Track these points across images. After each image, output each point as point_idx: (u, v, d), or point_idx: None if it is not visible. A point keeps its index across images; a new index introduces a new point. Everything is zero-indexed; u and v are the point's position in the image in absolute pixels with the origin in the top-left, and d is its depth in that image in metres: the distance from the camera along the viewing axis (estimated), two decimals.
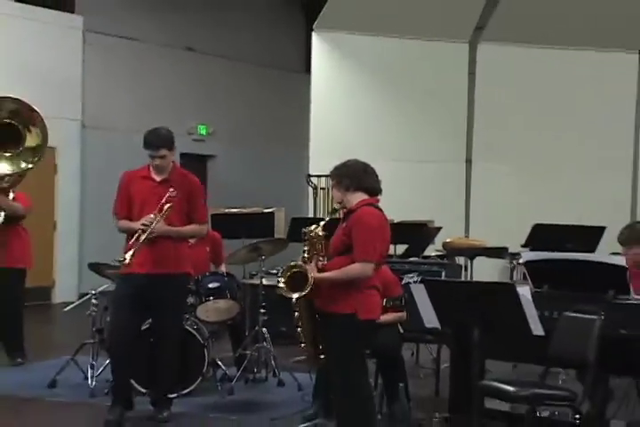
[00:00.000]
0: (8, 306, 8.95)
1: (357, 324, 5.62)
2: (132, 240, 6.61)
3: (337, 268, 5.64)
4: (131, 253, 6.52)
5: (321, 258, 5.75)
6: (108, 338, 7.09)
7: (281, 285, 5.70)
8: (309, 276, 5.59)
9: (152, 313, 6.98)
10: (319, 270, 5.68)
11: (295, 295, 5.63)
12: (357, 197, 5.82)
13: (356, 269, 5.56)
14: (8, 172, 8.67)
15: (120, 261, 6.59)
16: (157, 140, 6.77)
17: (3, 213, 8.65)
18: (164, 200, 6.64)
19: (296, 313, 5.76)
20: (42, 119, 8.79)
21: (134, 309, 6.84)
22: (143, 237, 6.57)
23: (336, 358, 5.76)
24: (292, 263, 5.73)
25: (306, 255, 5.78)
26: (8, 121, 8.62)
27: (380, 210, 5.83)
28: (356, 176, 5.86)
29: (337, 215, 6.07)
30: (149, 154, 6.78)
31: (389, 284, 7.10)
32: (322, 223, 5.81)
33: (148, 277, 6.72)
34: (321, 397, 6.81)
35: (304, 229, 5.82)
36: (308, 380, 7.53)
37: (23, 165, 8.73)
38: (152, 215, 6.62)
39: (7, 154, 8.66)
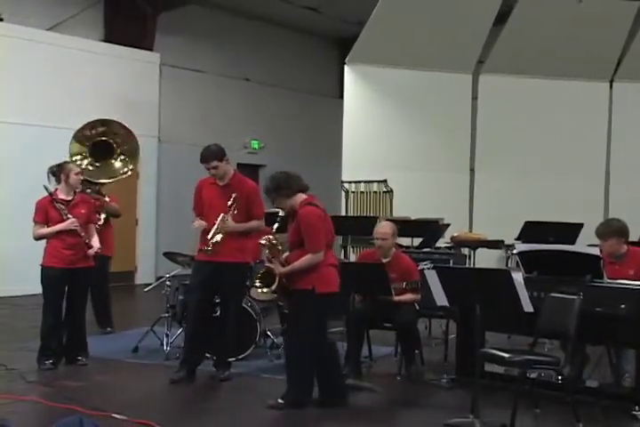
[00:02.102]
0: (98, 286, 9.02)
1: (315, 296, 5.87)
2: (211, 235, 6.68)
3: (296, 259, 5.93)
4: (214, 239, 6.65)
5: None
6: (191, 318, 7.03)
7: (257, 284, 6.04)
8: (276, 273, 5.91)
9: (219, 293, 7.03)
10: (283, 264, 5.97)
11: (265, 290, 6.00)
12: (298, 198, 6.02)
13: (308, 259, 5.89)
14: (111, 180, 8.78)
15: (207, 250, 6.67)
16: (208, 155, 6.81)
17: (104, 214, 8.74)
18: (229, 203, 6.72)
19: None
20: (135, 138, 8.88)
21: (207, 291, 6.91)
22: (219, 232, 6.69)
23: (298, 325, 5.99)
24: (261, 269, 6.11)
25: (269, 257, 6.04)
26: (107, 140, 8.76)
27: (317, 206, 6.01)
28: (287, 184, 6.03)
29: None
30: (205, 166, 6.83)
31: (409, 270, 7.11)
32: (274, 229, 6.03)
33: (218, 264, 6.74)
34: (351, 361, 6.83)
35: (261, 241, 6.04)
36: (340, 348, 7.53)
37: (123, 171, 8.86)
38: (222, 215, 6.70)
39: (110, 163, 8.78)
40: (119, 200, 9.35)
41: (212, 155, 6.80)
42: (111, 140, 8.77)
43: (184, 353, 6.99)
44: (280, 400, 5.99)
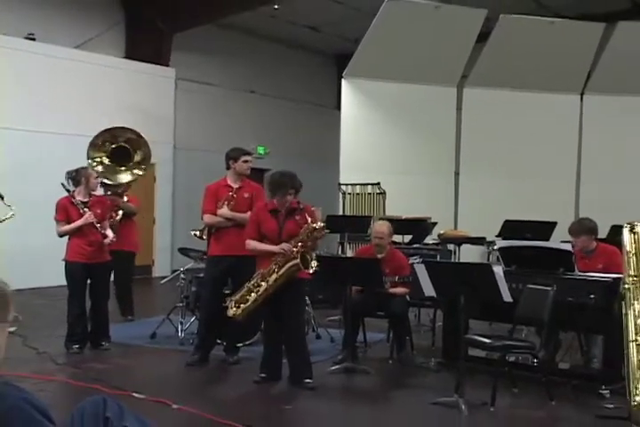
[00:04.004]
0: (123, 278, 9.06)
1: (306, 285, 6.25)
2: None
3: None
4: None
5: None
6: (205, 308, 7.01)
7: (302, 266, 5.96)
8: (310, 256, 6.04)
9: (231, 285, 6.97)
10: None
11: (314, 264, 5.98)
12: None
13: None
14: (126, 180, 8.85)
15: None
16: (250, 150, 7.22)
17: (121, 211, 8.83)
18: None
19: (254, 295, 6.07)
20: (147, 143, 8.93)
21: (220, 283, 6.93)
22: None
23: (300, 307, 6.22)
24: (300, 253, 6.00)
25: (300, 244, 6.00)
26: (124, 144, 8.80)
27: None
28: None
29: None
30: (248, 159, 7.00)
31: (402, 265, 7.10)
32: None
33: (234, 257, 6.70)
34: (348, 346, 6.85)
35: (314, 225, 5.99)
36: (339, 334, 7.56)
37: (135, 171, 8.90)
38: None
39: (122, 168, 8.82)
40: (139, 201, 9.42)
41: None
42: (127, 146, 8.82)
43: (198, 339, 7.01)
44: (307, 380, 6.01)
